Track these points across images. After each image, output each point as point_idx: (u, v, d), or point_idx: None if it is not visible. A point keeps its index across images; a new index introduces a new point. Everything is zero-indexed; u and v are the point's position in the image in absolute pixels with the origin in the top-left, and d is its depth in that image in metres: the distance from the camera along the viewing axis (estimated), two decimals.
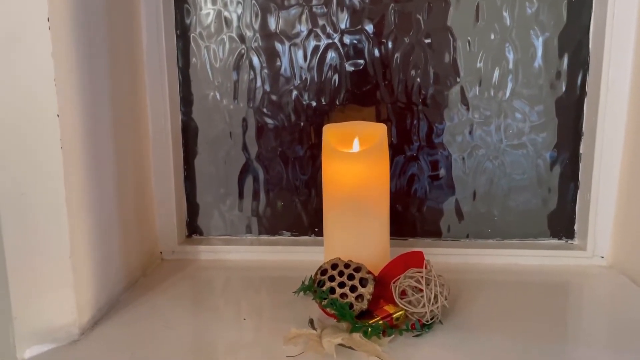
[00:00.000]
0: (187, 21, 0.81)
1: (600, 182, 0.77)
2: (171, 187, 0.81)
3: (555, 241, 0.83)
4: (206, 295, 0.71)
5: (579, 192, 0.81)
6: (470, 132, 0.81)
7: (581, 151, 0.80)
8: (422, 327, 0.58)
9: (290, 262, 0.80)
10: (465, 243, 0.83)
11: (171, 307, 0.67)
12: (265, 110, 0.83)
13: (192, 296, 0.71)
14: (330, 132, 0.67)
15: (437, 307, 0.58)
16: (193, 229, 0.87)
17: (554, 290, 0.71)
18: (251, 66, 0.82)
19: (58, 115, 0.54)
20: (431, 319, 0.59)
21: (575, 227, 0.82)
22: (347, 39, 0.80)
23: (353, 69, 0.81)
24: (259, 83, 0.82)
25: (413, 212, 0.84)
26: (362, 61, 0.80)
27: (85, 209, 0.60)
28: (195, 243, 0.85)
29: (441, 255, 0.80)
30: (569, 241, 0.83)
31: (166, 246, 0.83)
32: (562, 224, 0.83)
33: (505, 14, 0.78)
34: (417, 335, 0.57)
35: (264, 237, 0.86)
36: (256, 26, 0.81)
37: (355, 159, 0.66)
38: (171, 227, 0.82)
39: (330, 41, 0.80)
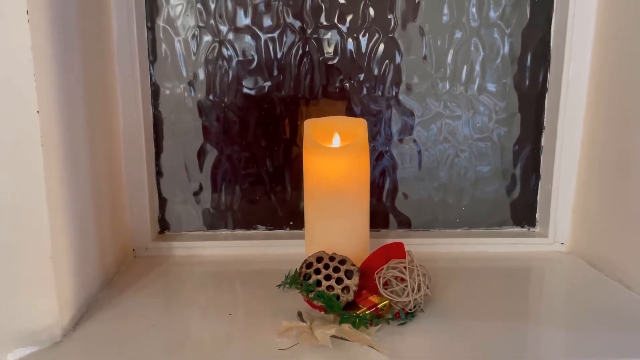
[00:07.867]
0: (159, 13, 0.79)
1: (561, 173, 0.81)
2: (144, 182, 0.80)
3: (518, 229, 0.87)
4: (185, 291, 0.70)
5: (540, 182, 0.86)
6: (439, 126, 0.84)
7: (542, 144, 0.84)
8: (406, 315, 0.60)
9: (266, 256, 0.81)
10: (435, 233, 0.86)
11: (151, 304, 0.66)
12: (238, 104, 0.82)
13: (171, 292, 0.70)
14: (312, 127, 0.68)
15: (421, 296, 0.60)
16: (165, 225, 0.86)
17: (519, 275, 0.76)
18: (224, 60, 0.81)
19: (38, 112, 0.52)
20: (414, 307, 0.61)
21: (537, 216, 0.87)
22: (321, 34, 0.81)
23: (327, 63, 0.82)
24: (231, 77, 0.82)
25: (385, 204, 0.86)
26: (335, 56, 0.81)
27: (64, 207, 0.58)
28: (169, 239, 0.83)
29: (413, 245, 0.80)
30: (531, 229, 0.87)
31: (139, 243, 0.81)
32: (524, 212, 0.87)
33: (473, 10, 0.81)
34: (401, 324, 0.60)
35: (239, 232, 0.86)
36: (230, 19, 0.80)
37: (337, 153, 0.67)
38: (144, 223, 0.81)
39: (305, 36, 0.81)
